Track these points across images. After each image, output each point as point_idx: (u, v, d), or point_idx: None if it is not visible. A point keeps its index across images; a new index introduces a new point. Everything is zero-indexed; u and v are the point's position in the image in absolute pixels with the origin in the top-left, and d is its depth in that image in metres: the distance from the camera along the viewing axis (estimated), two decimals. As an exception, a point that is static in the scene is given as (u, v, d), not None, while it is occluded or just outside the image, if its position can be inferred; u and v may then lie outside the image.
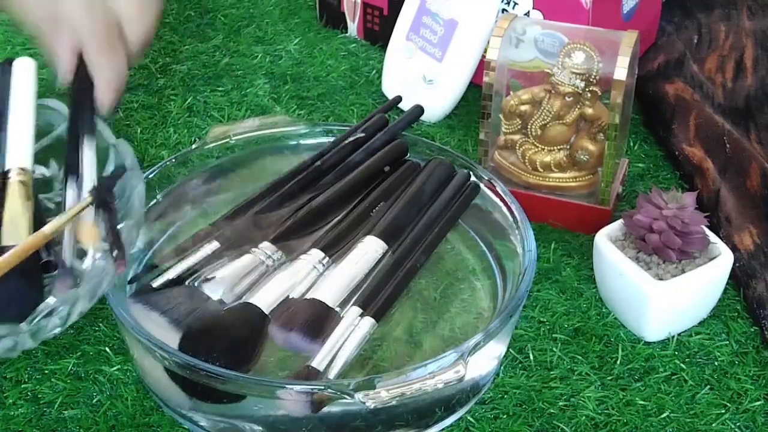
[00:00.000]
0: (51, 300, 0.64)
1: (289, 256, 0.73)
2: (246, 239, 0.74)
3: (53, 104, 0.81)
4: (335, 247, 0.74)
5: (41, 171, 0.79)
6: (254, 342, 0.66)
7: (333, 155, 0.82)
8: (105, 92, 0.80)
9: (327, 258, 0.73)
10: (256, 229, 0.75)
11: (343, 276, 0.71)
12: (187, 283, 0.71)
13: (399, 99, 0.93)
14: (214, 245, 0.73)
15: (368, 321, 0.68)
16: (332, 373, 0.64)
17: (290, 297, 0.69)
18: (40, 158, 0.79)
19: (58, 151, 0.79)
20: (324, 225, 0.77)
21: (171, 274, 0.71)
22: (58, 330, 0.64)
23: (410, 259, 0.73)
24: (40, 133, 0.80)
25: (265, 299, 0.69)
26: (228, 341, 0.65)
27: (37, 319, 0.63)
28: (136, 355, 0.69)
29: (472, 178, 0.81)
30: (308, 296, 0.69)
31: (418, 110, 0.89)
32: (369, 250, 0.73)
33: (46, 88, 0.86)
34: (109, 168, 0.75)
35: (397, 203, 0.78)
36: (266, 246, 0.73)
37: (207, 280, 0.70)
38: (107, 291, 0.66)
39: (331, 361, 0.65)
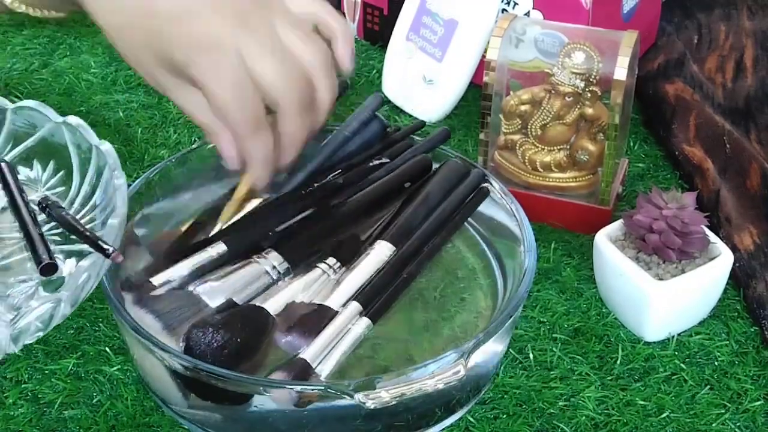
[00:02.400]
0: (33, 303, 0.64)
1: (295, 268, 0.72)
2: (253, 247, 0.73)
3: (34, 105, 0.80)
4: (346, 252, 0.73)
5: (26, 173, 0.79)
6: (257, 342, 0.66)
7: (353, 174, 0.80)
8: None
9: (338, 263, 0.72)
10: (264, 238, 0.74)
11: (351, 283, 0.70)
12: (188, 287, 0.70)
13: (442, 131, 0.86)
14: (221, 248, 0.72)
15: (364, 321, 0.67)
16: (324, 368, 0.64)
17: (295, 301, 0.69)
18: (23, 160, 0.79)
19: (42, 153, 0.79)
20: (334, 239, 0.75)
21: (173, 275, 0.70)
22: (40, 334, 0.63)
23: (413, 262, 0.73)
24: (24, 134, 0.80)
25: (274, 302, 0.68)
26: (231, 340, 0.65)
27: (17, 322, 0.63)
28: (137, 356, 0.69)
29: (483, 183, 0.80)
30: (315, 301, 0.69)
31: (444, 133, 0.84)
32: (381, 255, 0.73)
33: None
34: (92, 170, 0.75)
35: (408, 206, 0.77)
36: (273, 256, 0.72)
37: (207, 286, 0.69)
38: (108, 289, 0.66)
39: (324, 356, 0.65)
